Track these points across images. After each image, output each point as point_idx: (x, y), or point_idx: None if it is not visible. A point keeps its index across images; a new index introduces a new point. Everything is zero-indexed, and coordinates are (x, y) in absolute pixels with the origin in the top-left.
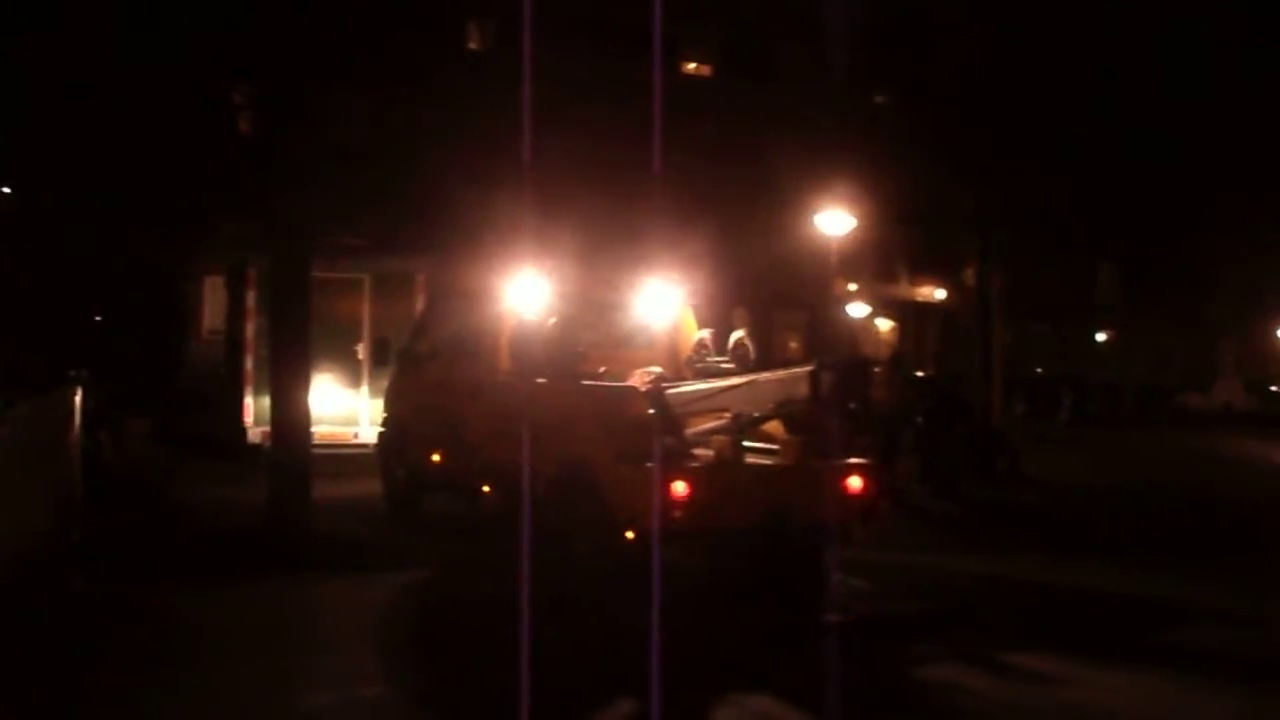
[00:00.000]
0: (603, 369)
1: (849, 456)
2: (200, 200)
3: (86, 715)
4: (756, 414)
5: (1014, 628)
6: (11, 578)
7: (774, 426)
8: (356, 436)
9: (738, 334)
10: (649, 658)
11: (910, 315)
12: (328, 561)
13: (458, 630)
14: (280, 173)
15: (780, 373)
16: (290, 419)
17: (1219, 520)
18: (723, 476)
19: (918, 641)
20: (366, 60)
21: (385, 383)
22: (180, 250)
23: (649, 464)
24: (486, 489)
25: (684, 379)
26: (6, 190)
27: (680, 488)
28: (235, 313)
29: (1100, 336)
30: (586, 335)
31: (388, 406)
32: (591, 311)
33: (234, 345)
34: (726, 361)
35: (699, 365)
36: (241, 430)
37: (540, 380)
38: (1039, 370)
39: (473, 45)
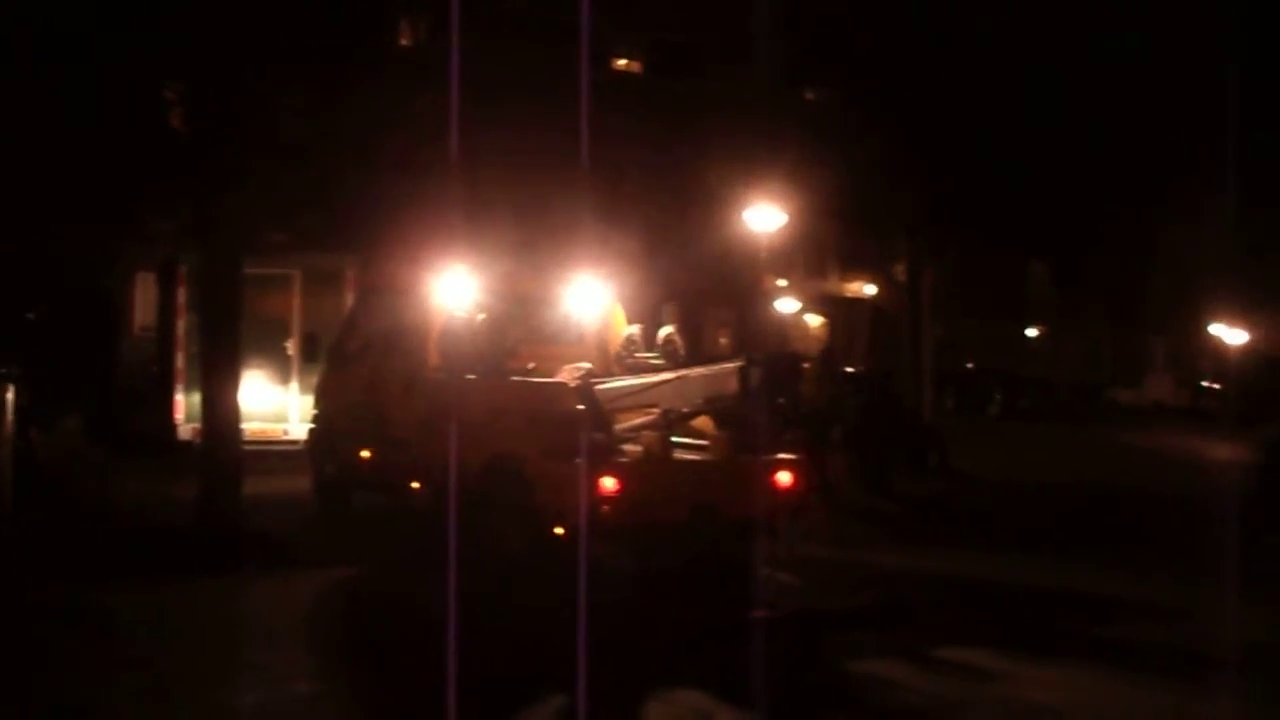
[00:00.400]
0: (532, 365)
1: (778, 452)
2: (130, 198)
3: (17, 715)
4: (686, 409)
5: (946, 623)
6: None
7: (703, 422)
8: (287, 433)
9: (667, 329)
10: (577, 653)
11: (840, 311)
12: (258, 558)
13: (388, 626)
14: (212, 171)
15: (709, 368)
16: (221, 416)
17: (1146, 515)
18: (651, 472)
19: (848, 637)
20: (297, 57)
21: (315, 379)
22: (110, 247)
23: (578, 459)
24: (416, 485)
25: (613, 374)
26: None
27: (609, 483)
28: (166, 310)
29: (1031, 332)
30: (515, 331)
31: (317, 403)
32: (521, 307)
33: (165, 342)
34: (656, 357)
35: (628, 361)
36: (172, 427)
37: (469, 376)
38: (970, 365)
39: (405, 41)
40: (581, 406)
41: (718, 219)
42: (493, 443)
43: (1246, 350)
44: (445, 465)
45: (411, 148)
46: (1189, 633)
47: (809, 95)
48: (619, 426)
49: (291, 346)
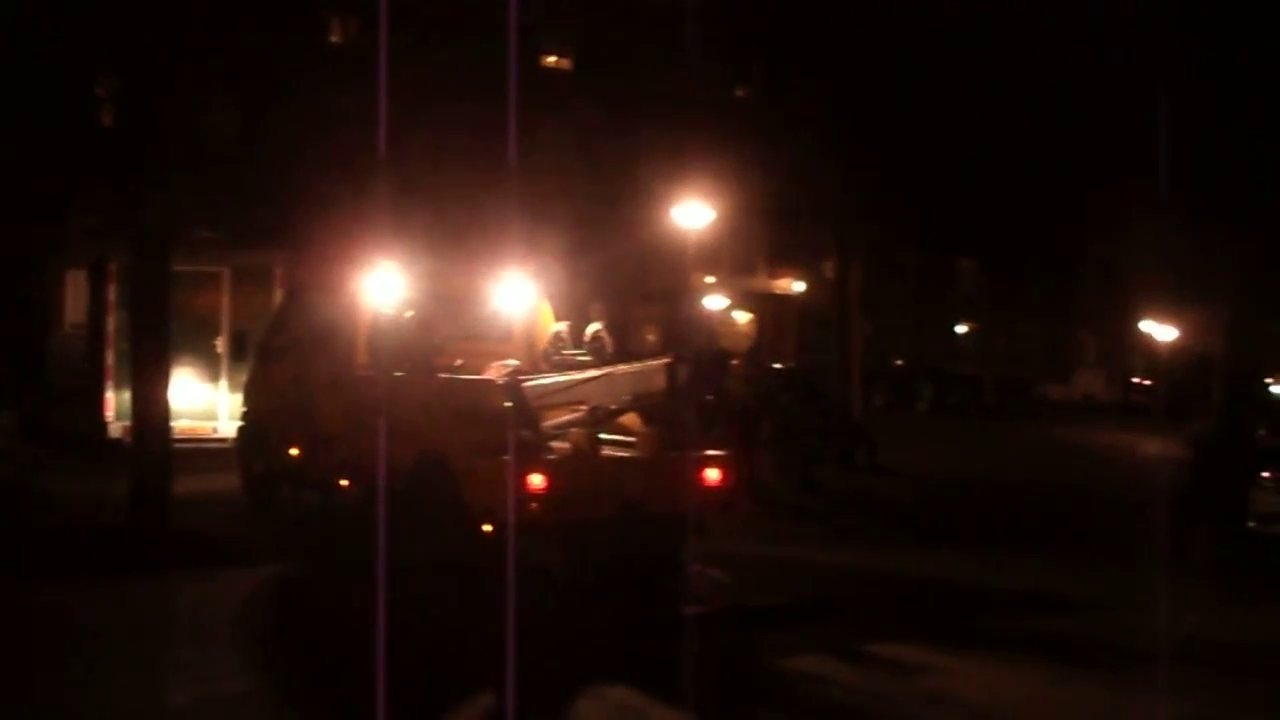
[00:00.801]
0: (459, 362)
1: (706, 448)
2: (59, 194)
3: None
4: (613, 406)
5: (875, 619)
6: None
7: (631, 419)
8: (216, 431)
9: (594, 326)
10: (507, 649)
11: (769, 308)
12: (188, 557)
13: (316, 624)
14: (141, 168)
15: (637, 365)
16: (150, 413)
17: (1075, 509)
18: (579, 469)
19: (778, 633)
20: (226, 54)
21: (244, 376)
22: (39, 244)
23: (505, 457)
24: (345, 482)
25: (540, 371)
26: None
27: (537, 480)
28: (96, 307)
29: (960, 328)
30: (443, 328)
31: (246, 400)
32: (448, 304)
33: (95, 340)
34: (583, 354)
35: (555, 358)
36: (102, 425)
37: (397, 373)
38: (899, 362)
39: (334, 39)
40: (509, 404)
41: (646, 216)
42: (421, 440)
43: (1177, 347)
44: (374, 462)
45: (340, 145)
46: (1116, 626)
47: (739, 92)
48: (547, 424)
49: (221, 344)
